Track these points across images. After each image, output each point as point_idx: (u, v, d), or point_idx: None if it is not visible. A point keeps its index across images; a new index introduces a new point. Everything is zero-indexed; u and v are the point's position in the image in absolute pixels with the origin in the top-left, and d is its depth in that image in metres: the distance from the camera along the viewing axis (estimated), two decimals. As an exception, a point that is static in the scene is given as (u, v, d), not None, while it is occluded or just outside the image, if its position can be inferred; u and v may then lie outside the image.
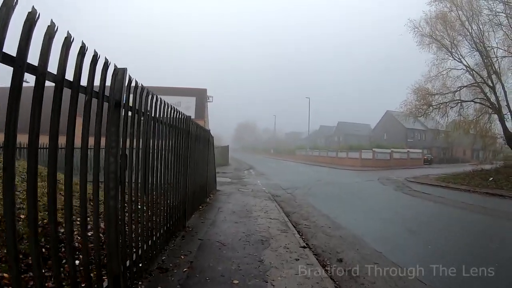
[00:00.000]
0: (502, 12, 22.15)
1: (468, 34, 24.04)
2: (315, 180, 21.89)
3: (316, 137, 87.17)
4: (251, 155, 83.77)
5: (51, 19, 2.24)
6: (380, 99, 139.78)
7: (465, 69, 24.83)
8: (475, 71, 24.24)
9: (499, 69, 23.37)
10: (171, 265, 4.71)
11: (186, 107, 32.96)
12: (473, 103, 25.34)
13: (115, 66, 3.31)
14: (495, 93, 23.40)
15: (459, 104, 25.56)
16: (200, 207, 9.70)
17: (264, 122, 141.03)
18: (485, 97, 23.98)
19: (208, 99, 38.46)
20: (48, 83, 2.30)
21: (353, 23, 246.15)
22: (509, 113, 23.31)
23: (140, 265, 4.09)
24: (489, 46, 23.48)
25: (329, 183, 20.48)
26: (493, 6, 22.43)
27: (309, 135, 71.93)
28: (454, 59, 25.10)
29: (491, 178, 19.52)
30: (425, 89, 26.38)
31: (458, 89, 25.26)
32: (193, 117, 26.60)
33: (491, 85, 23.43)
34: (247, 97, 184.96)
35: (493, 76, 23.38)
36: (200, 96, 35.18)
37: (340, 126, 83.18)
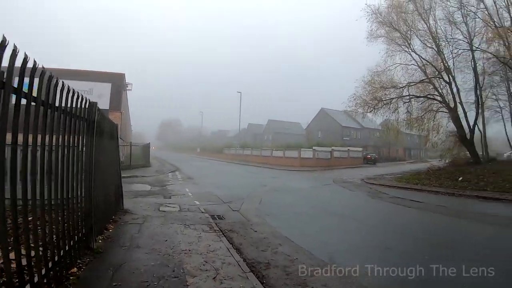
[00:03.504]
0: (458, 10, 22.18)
1: (426, 27, 23.45)
2: (259, 185, 17.53)
3: (244, 135, 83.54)
4: (176, 154, 78.02)
5: None
6: (311, 98, 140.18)
7: (416, 64, 24.37)
8: (432, 65, 23.42)
9: (453, 66, 23.12)
10: None
11: (99, 95, 27.36)
12: (421, 99, 24.48)
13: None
14: (451, 89, 22.85)
15: (411, 100, 24.56)
16: (75, 269, 4.55)
17: (189, 120, 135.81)
18: (438, 94, 23.40)
19: (127, 86, 32.57)
20: None
21: (290, 16, 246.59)
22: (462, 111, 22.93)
23: None
24: (444, 41, 23.10)
25: (279, 189, 16.22)
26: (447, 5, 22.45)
27: (238, 133, 68.05)
28: (406, 51, 24.48)
29: (461, 178, 17.87)
30: (379, 81, 24.76)
31: (409, 85, 24.28)
32: (106, 107, 21.60)
33: (448, 80, 22.81)
34: (172, 93, 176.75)
35: (443, 73, 23.01)
36: (117, 83, 29.21)
37: (270, 124, 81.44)
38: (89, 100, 5.32)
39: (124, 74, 30.74)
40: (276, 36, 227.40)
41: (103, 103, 26.91)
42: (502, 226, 8.89)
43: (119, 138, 8.74)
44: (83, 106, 4.86)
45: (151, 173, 23.62)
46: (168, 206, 10.06)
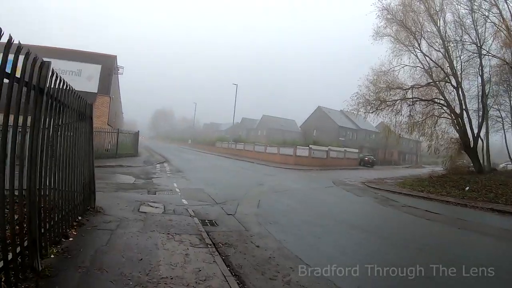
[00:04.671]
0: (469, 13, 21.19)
1: (435, 29, 22.25)
2: (255, 184, 15.94)
3: (237, 129, 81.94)
4: (167, 144, 76.14)
5: None
6: (306, 96, 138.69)
7: (422, 66, 23.27)
8: (441, 68, 22.15)
9: (461, 71, 21.91)
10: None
11: (88, 76, 25.61)
12: (424, 103, 23.20)
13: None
14: (458, 95, 21.59)
15: (415, 103, 23.27)
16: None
17: (182, 111, 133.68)
18: (443, 98, 22.25)
19: (118, 70, 30.68)
20: None
21: (290, 17, 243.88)
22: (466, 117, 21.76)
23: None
24: (454, 45, 21.91)
25: (278, 190, 14.58)
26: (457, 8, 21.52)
27: (231, 126, 66.47)
28: (412, 53, 23.35)
29: (467, 188, 16.97)
30: (384, 81, 23.60)
31: (414, 87, 23.09)
32: (95, 91, 19.90)
33: (455, 85, 21.60)
34: (167, 82, 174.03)
35: (451, 78, 21.91)
36: (107, 65, 27.25)
37: (264, 119, 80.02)
38: (43, 60, 3.76)
39: (115, 56, 28.76)
40: (273, 30, 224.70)
41: (92, 86, 25.19)
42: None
43: (92, 120, 7.03)
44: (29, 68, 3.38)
45: (138, 163, 21.90)
46: (151, 206, 8.44)
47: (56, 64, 22.75)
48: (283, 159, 36.43)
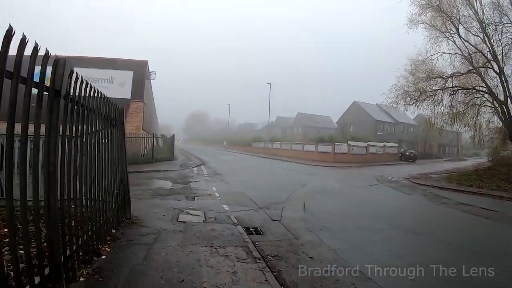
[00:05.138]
0: None
1: (471, 13, 20.72)
2: (297, 184, 15.06)
3: (272, 128, 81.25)
4: (202, 146, 76.16)
5: None
6: (342, 91, 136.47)
7: (461, 53, 21.67)
8: (482, 53, 20.60)
9: (502, 56, 20.09)
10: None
11: (121, 83, 25.80)
12: (464, 92, 21.95)
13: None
14: (502, 81, 19.90)
15: (456, 92, 22.03)
16: None
17: (216, 112, 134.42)
18: (485, 85, 20.74)
19: (150, 75, 30.67)
20: None
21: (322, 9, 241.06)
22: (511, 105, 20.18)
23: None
24: (493, 27, 20.21)
25: (322, 190, 13.72)
26: None
27: (266, 125, 65.65)
28: (449, 39, 21.88)
29: None
30: (424, 70, 22.40)
31: (454, 75, 21.90)
32: (128, 97, 19.68)
33: (497, 71, 20.00)
34: (199, 85, 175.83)
35: (493, 63, 20.25)
36: (139, 71, 27.30)
37: (299, 117, 79.20)
38: (57, 56, 3.22)
39: (147, 61, 28.81)
40: (304, 29, 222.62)
41: (125, 93, 25.23)
42: None
43: (123, 126, 6.51)
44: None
45: (175, 167, 21.57)
46: (190, 214, 7.87)
47: (89, 73, 23.28)
48: (321, 157, 35.33)
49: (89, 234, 4.32)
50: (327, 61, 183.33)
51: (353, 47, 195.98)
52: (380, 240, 6.70)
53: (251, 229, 6.95)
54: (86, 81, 4.01)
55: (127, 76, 26.39)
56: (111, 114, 5.51)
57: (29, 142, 2.87)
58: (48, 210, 3.14)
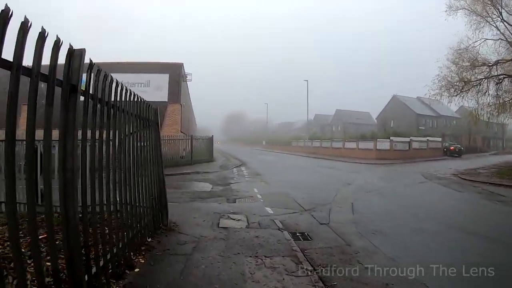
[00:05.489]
0: None
1: None
2: (341, 183, 14.31)
3: (311, 126, 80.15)
4: (241, 147, 75.51)
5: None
6: (380, 86, 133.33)
7: (504, 38, 20.46)
8: None
9: None
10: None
11: (157, 86, 25.86)
12: (509, 81, 20.86)
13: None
14: None
15: (503, 80, 20.86)
16: None
17: (254, 112, 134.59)
18: None
19: (186, 77, 30.59)
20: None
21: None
22: None
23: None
24: None
25: (369, 190, 12.88)
26: None
27: (305, 124, 64.72)
28: (492, 24, 20.68)
29: None
30: (468, 58, 21.30)
31: (499, 62, 20.61)
32: (165, 99, 19.51)
33: None
34: (236, 86, 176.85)
35: None
36: (175, 73, 27.24)
37: (338, 114, 77.97)
38: (71, 46, 2.82)
39: (182, 63, 28.69)
40: (342, 26, 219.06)
41: (162, 95, 25.23)
42: None
43: (158, 127, 6.07)
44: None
45: (214, 168, 21.27)
46: (232, 219, 7.38)
47: (125, 78, 23.37)
48: (363, 154, 34.12)
49: (120, 246, 3.88)
50: (365, 57, 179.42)
51: (391, 42, 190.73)
52: (438, 245, 5.98)
53: (298, 234, 6.37)
54: (111, 76, 3.57)
55: (163, 79, 26.40)
56: (143, 113, 5.09)
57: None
58: (66, 220, 2.69)
